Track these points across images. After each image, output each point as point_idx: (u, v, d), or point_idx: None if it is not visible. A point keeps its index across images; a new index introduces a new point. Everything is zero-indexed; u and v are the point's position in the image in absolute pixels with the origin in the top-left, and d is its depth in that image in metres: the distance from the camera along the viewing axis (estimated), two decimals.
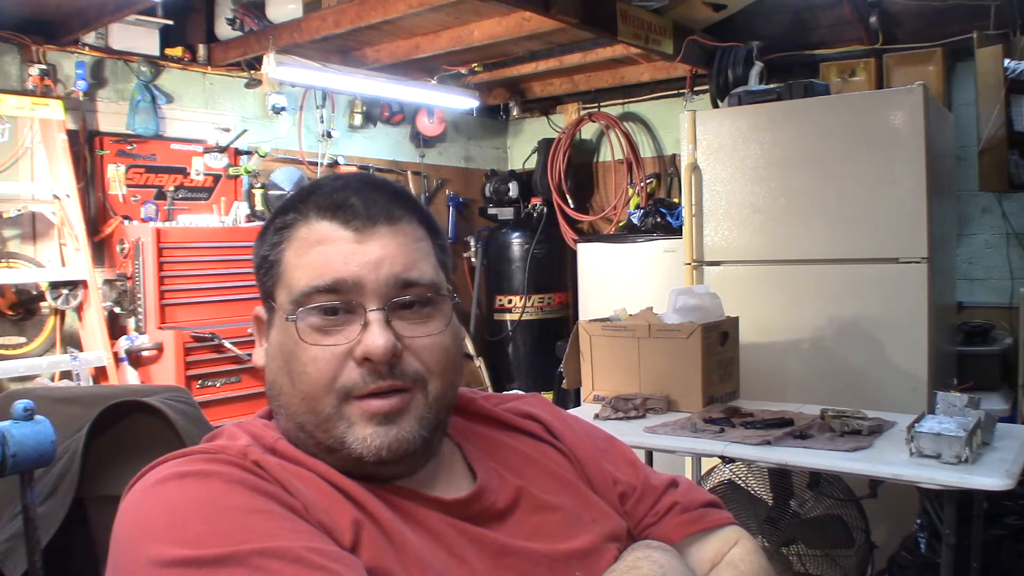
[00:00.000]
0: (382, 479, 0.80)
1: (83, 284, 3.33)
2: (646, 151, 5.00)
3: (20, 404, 1.31)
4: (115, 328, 3.49)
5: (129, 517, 0.70)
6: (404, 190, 0.87)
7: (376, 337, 0.76)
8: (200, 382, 3.36)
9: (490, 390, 4.82)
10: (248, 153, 4.13)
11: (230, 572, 0.64)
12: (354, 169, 4.65)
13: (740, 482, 2.37)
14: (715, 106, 3.98)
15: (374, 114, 4.78)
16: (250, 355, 3.40)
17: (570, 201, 4.97)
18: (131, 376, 3.39)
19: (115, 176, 3.61)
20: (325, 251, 0.79)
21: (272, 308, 0.83)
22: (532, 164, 5.27)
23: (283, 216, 0.83)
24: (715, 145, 3.19)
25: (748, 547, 0.95)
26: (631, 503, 0.95)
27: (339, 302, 0.78)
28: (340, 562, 0.67)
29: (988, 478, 1.67)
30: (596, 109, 5.10)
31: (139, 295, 3.41)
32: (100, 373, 3.31)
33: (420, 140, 5.10)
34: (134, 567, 0.67)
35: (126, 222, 3.55)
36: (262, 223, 3.67)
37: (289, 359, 0.79)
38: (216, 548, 0.65)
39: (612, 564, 0.85)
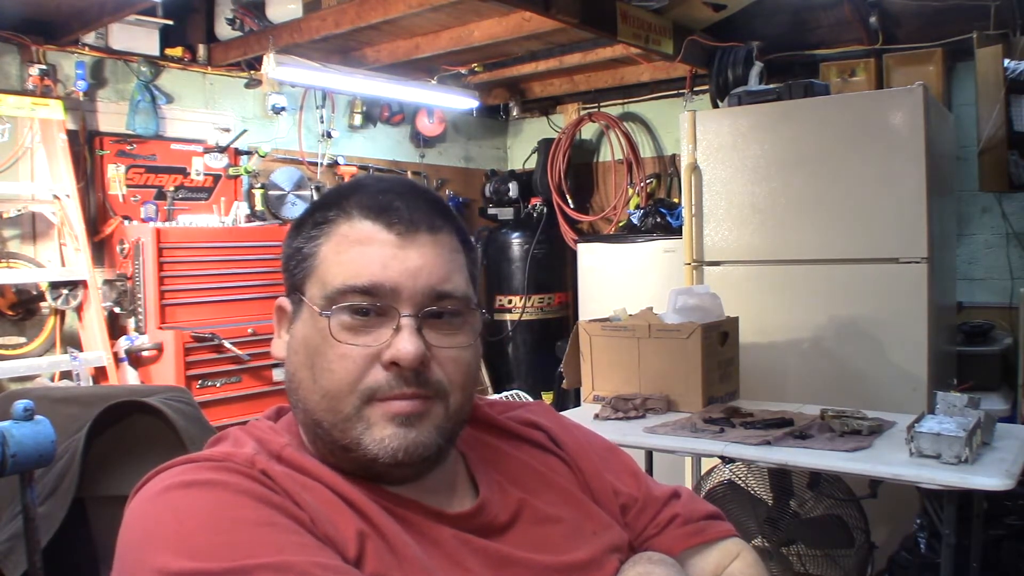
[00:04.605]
0: (387, 482, 0.80)
1: (83, 284, 3.32)
2: (646, 151, 5.00)
3: (20, 404, 1.31)
4: (115, 328, 3.48)
5: (135, 524, 0.70)
6: (444, 200, 0.87)
7: (407, 343, 0.76)
8: (200, 382, 3.36)
9: (490, 390, 4.83)
10: (248, 153, 4.13)
11: None
12: (354, 169, 4.65)
13: (740, 482, 2.37)
14: (715, 106, 3.98)
15: (374, 114, 4.78)
16: (250, 355, 3.43)
17: (570, 201, 4.97)
18: (131, 376, 3.39)
19: (115, 176, 3.61)
20: (365, 252, 0.78)
21: (300, 301, 0.82)
22: (532, 164, 5.27)
23: (324, 211, 0.82)
24: (715, 145, 3.19)
25: (749, 560, 0.96)
26: (632, 514, 0.95)
27: (373, 304, 0.78)
28: None
29: (988, 478, 1.67)
30: (596, 109, 5.10)
31: (139, 295, 3.41)
32: (100, 373, 3.31)
33: (420, 140, 5.10)
34: None
35: (126, 222, 3.55)
36: (263, 223, 3.67)
37: (314, 355, 0.79)
38: (222, 561, 0.65)
39: None
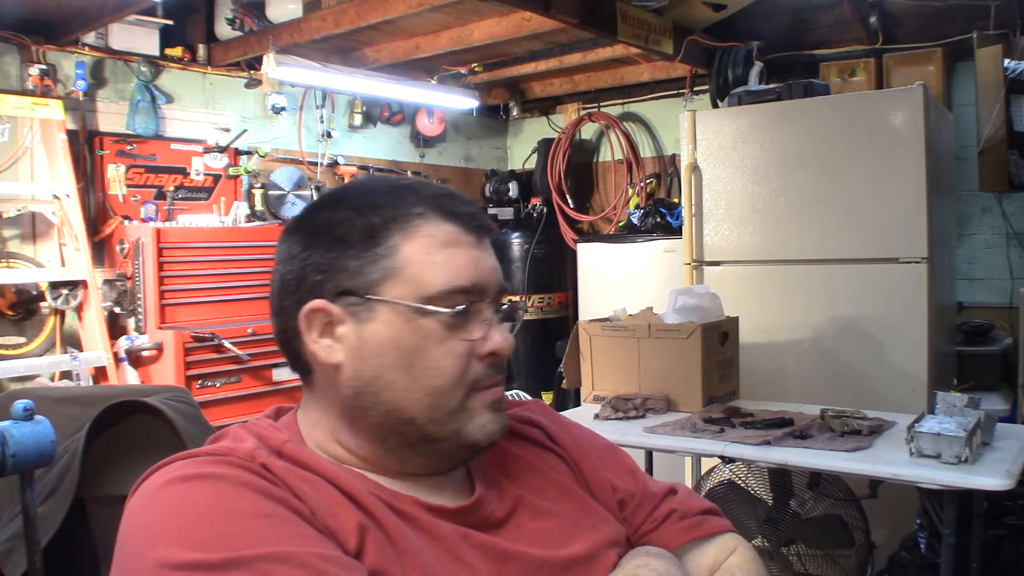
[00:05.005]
0: (437, 472, 0.84)
1: (83, 284, 3.32)
2: (646, 151, 5.00)
3: (20, 404, 1.31)
4: (115, 328, 3.48)
5: (136, 518, 0.71)
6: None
7: (507, 336, 0.84)
8: (200, 382, 3.36)
9: None
10: (248, 153, 4.13)
11: None
12: (354, 169, 4.65)
13: (740, 482, 2.37)
14: (715, 106, 3.98)
15: (374, 114, 4.78)
16: (250, 355, 3.42)
17: (570, 201, 4.97)
18: (131, 376, 3.39)
19: (115, 176, 3.61)
20: (458, 253, 0.82)
21: (366, 302, 0.80)
22: (532, 164, 5.27)
23: (385, 211, 0.82)
24: (715, 145, 3.19)
25: (746, 555, 0.96)
26: (630, 510, 0.96)
27: (470, 302, 0.82)
28: (345, 568, 0.68)
29: (988, 478, 1.67)
30: (596, 109, 5.10)
31: (139, 295, 3.41)
32: (100, 373, 3.31)
33: (420, 140, 5.10)
34: (140, 569, 0.67)
35: (126, 222, 3.55)
36: (263, 223, 3.65)
37: (412, 355, 0.80)
38: (222, 552, 0.65)
39: (611, 570, 0.86)
